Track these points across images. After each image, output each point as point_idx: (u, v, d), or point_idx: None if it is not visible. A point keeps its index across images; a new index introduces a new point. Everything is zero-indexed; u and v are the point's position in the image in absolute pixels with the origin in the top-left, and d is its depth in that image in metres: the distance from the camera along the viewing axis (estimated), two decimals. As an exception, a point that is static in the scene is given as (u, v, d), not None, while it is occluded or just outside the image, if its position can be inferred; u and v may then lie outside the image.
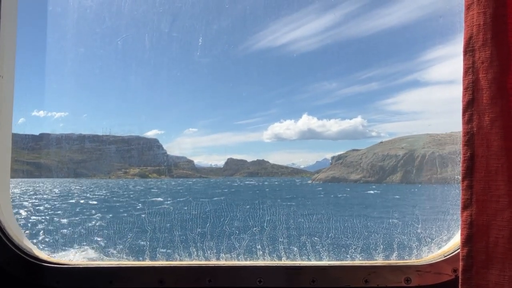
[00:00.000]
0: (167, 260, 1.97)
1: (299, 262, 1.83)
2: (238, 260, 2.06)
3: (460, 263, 1.57)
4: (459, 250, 1.64)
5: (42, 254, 1.99)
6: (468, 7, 1.59)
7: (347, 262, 1.81)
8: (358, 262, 1.82)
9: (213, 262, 1.91)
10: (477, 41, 1.58)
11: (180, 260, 2.25)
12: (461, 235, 1.58)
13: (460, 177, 1.60)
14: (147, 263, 1.95)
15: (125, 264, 1.91)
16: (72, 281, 1.89)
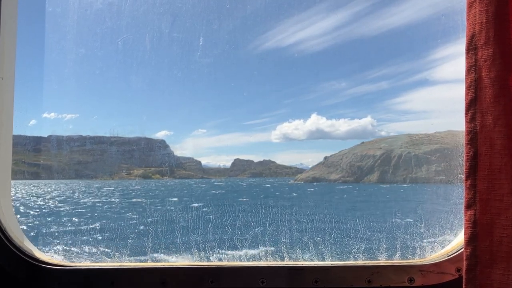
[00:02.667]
0: (169, 261, 1.88)
1: (301, 262, 1.75)
2: (241, 260, 1.98)
3: (464, 263, 1.49)
4: (462, 249, 1.56)
5: (43, 255, 1.91)
6: (470, 5, 1.52)
7: (350, 262, 1.73)
8: (361, 262, 1.74)
9: (215, 263, 1.83)
10: (480, 39, 1.51)
11: (182, 261, 2.17)
12: (464, 234, 1.50)
13: (463, 176, 1.53)
14: (149, 264, 1.87)
15: (127, 266, 1.82)
16: (73, 282, 1.81)
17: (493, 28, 1.48)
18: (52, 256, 1.92)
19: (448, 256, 1.69)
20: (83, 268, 1.83)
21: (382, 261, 1.72)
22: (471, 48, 1.52)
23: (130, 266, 1.82)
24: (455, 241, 1.76)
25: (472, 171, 1.50)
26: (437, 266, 1.67)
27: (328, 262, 1.73)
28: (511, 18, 1.48)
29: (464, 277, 1.49)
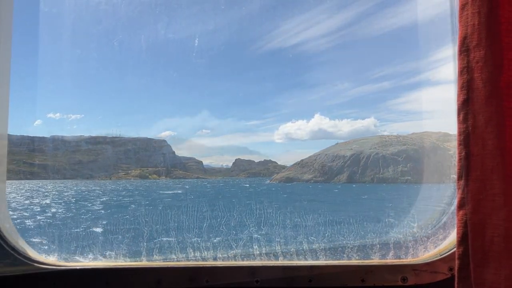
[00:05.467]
0: (164, 261, 1.81)
1: (296, 262, 1.69)
2: (235, 260, 1.91)
3: (456, 262, 1.44)
4: (455, 249, 1.51)
5: (39, 256, 1.83)
6: (462, 7, 1.47)
7: (344, 262, 1.67)
8: (355, 261, 1.68)
9: (210, 262, 1.76)
10: (472, 41, 1.46)
11: (178, 260, 2.09)
12: (457, 234, 1.45)
13: (455, 176, 1.48)
14: (144, 263, 1.79)
15: (122, 265, 1.75)
16: (69, 283, 1.73)
17: (485, 30, 1.43)
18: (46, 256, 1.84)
19: (440, 256, 1.63)
20: (78, 268, 1.75)
21: (376, 260, 1.66)
22: (463, 50, 1.47)
23: (125, 265, 1.75)
24: (447, 241, 1.70)
25: (465, 172, 1.45)
26: (429, 266, 1.61)
27: (322, 262, 1.66)
28: (502, 20, 1.43)
29: (456, 276, 1.44)
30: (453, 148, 1.75)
